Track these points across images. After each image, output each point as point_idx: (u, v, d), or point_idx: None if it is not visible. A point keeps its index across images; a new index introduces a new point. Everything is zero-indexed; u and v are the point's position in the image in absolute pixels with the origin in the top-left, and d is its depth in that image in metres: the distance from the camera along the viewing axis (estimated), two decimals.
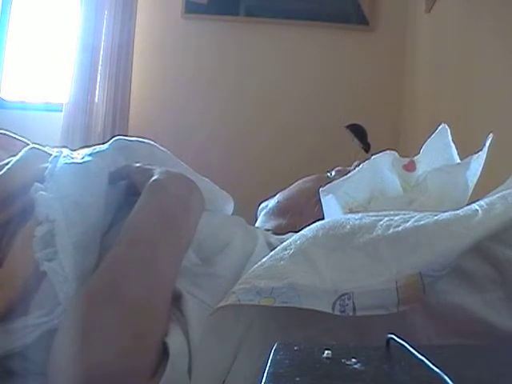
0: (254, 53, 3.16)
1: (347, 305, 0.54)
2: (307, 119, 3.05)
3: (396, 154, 1.00)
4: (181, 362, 0.57)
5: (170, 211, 0.71)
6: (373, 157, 0.98)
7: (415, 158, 1.00)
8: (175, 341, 0.58)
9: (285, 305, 0.55)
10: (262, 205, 1.15)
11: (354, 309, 0.54)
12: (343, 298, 0.55)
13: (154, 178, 0.74)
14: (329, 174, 1.14)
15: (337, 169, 1.15)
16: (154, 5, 3.16)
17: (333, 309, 0.54)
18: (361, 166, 0.98)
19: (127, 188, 0.81)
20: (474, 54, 1.89)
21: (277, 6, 3.13)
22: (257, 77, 3.13)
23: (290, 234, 0.81)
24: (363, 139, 1.22)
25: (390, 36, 3.08)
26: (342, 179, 0.96)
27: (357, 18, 3.10)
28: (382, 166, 0.96)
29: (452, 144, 0.98)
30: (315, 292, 0.56)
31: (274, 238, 0.85)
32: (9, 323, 0.63)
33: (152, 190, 0.73)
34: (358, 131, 1.23)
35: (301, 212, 1.03)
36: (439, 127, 1.00)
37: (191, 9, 3.12)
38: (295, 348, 0.43)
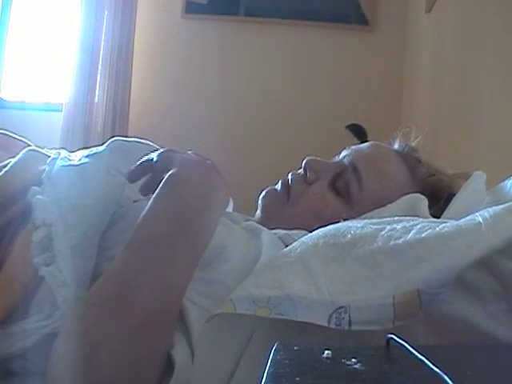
0: (253, 53, 3.16)
1: (343, 318, 0.53)
2: (307, 119, 3.05)
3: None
4: (185, 375, 0.56)
5: (189, 216, 0.65)
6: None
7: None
8: (180, 353, 0.57)
9: (280, 317, 0.54)
10: None
11: (350, 323, 0.53)
12: (339, 311, 0.54)
13: (171, 172, 0.67)
14: None
15: None
16: (154, 5, 3.16)
17: (328, 322, 0.53)
18: None
19: (153, 184, 0.71)
20: (474, 54, 1.89)
21: (277, 6, 3.13)
22: (256, 76, 3.13)
23: (299, 231, 0.77)
24: (363, 139, 1.22)
25: (390, 36, 3.08)
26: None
27: (357, 18, 3.11)
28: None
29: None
30: (312, 304, 0.55)
31: (281, 233, 0.78)
32: (8, 327, 0.63)
33: (169, 187, 0.67)
34: (358, 131, 1.23)
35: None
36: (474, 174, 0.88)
37: (191, 9, 3.12)
38: (295, 348, 0.42)
